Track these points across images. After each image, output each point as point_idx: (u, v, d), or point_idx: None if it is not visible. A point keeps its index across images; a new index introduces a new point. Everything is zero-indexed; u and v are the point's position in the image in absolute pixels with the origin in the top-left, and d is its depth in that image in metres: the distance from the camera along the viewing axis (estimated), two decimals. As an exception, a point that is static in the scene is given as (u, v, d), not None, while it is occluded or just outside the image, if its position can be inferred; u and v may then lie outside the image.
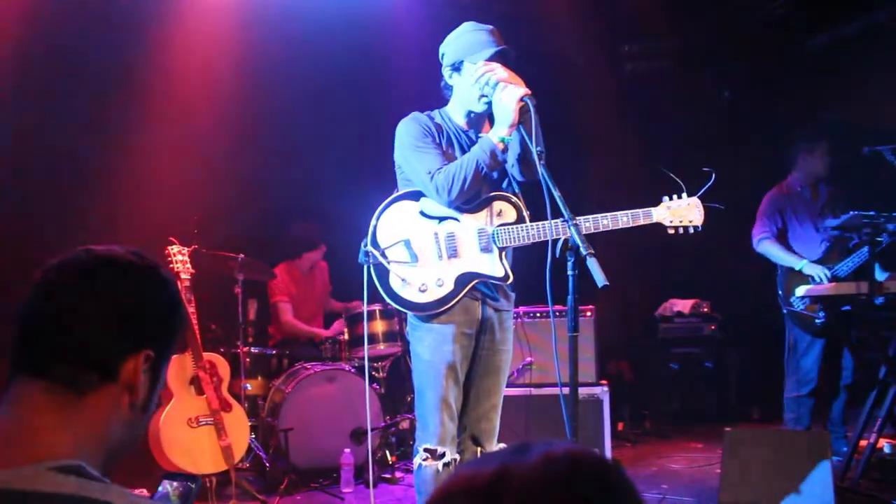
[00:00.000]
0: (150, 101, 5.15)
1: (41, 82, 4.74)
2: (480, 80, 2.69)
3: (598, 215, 2.67)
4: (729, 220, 4.67)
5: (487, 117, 2.84)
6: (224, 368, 4.20)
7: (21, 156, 4.69)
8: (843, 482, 3.95)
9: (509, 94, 2.61)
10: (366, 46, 5.63)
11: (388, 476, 4.69)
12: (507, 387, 2.93)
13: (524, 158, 2.76)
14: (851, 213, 4.09)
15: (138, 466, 4.02)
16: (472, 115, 2.85)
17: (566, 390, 2.38)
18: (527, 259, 2.91)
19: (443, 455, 2.69)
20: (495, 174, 2.80)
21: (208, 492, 3.97)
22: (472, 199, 2.75)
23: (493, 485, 0.73)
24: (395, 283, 2.75)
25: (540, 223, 2.65)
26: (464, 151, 2.79)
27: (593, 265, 2.20)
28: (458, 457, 2.76)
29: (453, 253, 2.75)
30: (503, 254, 2.76)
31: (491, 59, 2.72)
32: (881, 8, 5.83)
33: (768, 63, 6.58)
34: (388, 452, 4.90)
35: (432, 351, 2.73)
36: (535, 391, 4.48)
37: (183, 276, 4.09)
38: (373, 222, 2.79)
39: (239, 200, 5.60)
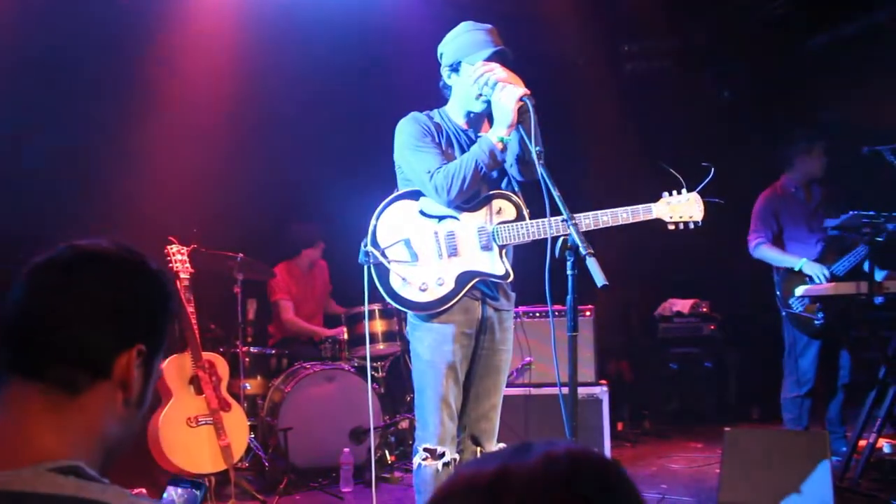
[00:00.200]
0: (150, 101, 5.15)
1: (41, 82, 4.74)
2: (479, 80, 2.69)
3: (598, 212, 2.66)
4: (729, 220, 4.69)
5: (486, 117, 2.84)
6: (223, 368, 4.21)
7: (20, 155, 4.69)
8: (843, 482, 3.95)
9: (508, 94, 2.61)
10: (365, 46, 5.63)
11: (387, 476, 4.69)
12: (506, 386, 2.93)
13: (523, 158, 2.76)
14: (851, 212, 4.09)
15: (137, 466, 4.02)
16: (471, 114, 2.85)
17: (565, 390, 2.38)
18: (526, 259, 2.91)
19: (442, 455, 2.69)
20: (494, 174, 2.80)
21: (207, 492, 3.96)
22: (471, 197, 2.75)
23: (494, 484, 0.73)
24: (395, 282, 2.74)
25: (540, 220, 2.65)
26: (463, 151, 2.79)
27: (593, 265, 2.20)
28: (457, 456, 2.76)
29: (453, 251, 2.75)
30: (503, 252, 2.76)
31: (489, 58, 2.71)
32: (881, 8, 5.83)
33: (768, 63, 6.58)
34: (387, 452, 4.90)
35: (432, 350, 2.73)
36: (534, 391, 4.48)
37: (182, 275, 4.10)
38: (373, 222, 2.79)
39: (239, 200, 5.60)
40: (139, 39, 5.04)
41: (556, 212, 2.47)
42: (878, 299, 4.12)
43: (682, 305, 6.52)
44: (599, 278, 2.17)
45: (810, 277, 4.48)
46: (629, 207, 2.69)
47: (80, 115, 4.78)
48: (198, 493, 1.31)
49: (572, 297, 2.30)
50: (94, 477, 1.00)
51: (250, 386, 4.90)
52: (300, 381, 4.67)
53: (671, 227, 2.75)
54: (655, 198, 2.74)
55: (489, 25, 2.81)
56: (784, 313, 4.66)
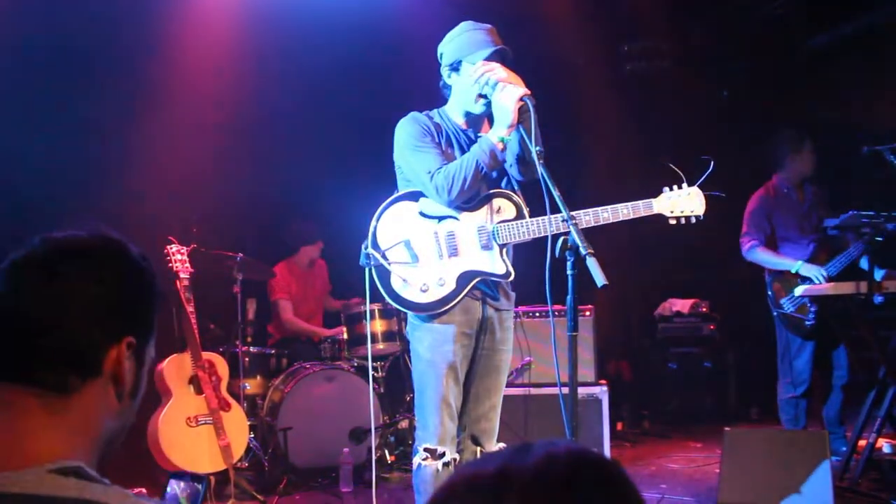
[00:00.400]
0: (150, 101, 5.14)
1: (40, 82, 4.74)
2: (479, 80, 2.69)
3: (599, 208, 2.66)
4: (728, 220, 4.70)
5: (487, 117, 2.84)
6: (223, 368, 4.21)
7: (20, 155, 4.68)
8: (842, 482, 3.95)
9: (508, 94, 2.61)
10: (366, 46, 5.63)
11: (387, 476, 4.69)
12: (506, 386, 2.93)
13: (523, 158, 2.76)
14: (851, 212, 4.09)
15: (137, 466, 4.02)
16: (472, 114, 2.84)
17: (565, 390, 2.38)
18: (526, 259, 2.91)
19: (442, 455, 2.69)
20: (494, 174, 2.80)
21: (209, 486, 3.97)
22: (471, 197, 2.75)
23: (495, 485, 0.73)
24: (396, 283, 2.74)
25: (540, 218, 2.65)
26: (463, 151, 2.78)
27: (593, 265, 2.20)
28: (457, 456, 2.76)
29: (453, 251, 2.75)
30: (504, 251, 2.75)
31: (489, 58, 2.71)
32: (881, 8, 5.83)
33: (768, 63, 6.58)
34: (387, 452, 4.90)
35: (433, 350, 2.72)
36: (534, 391, 4.48)
37: (182, 275, 4.10)
38: (373, 224, 2.79)
39: (239, 200, 5.60)
40: (139, 40, 5.04)
41: (556, 212, 2.47)
42: (878, 299, 4.12)
43: (682, 305, 6.52)
44: (599, 278, 2.17)
45: (807, 279, 4.47)
46: (630, 203, 2.69)
47: (79, 114, 4.78)
48: (200, 487, 1.31)
49: (572, 296, 2.30)
50: (95, 477, 1.00)
51: (250, 386, 4.90)
52: (300, 380, 4.67)
53: (672, 221, 2.74)
54: (656, 195, 2.74)
55: (489, 25, 2.81)
56: (775, 314, 4.66)
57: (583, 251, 2.24)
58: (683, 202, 2.72)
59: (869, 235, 4.05)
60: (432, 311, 2.72)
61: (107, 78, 4.98)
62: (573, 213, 2.44)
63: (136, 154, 5.09)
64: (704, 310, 6.49)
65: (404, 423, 5.05)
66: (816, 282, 4.41)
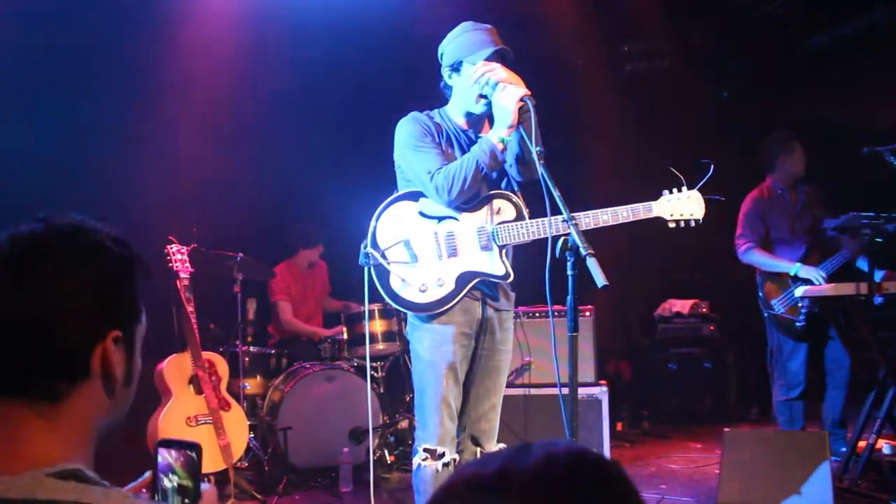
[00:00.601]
0: (151, 101, 5.14)
1: (41, 81, 4.73)
2: (480, 80, 2.69)
3: (598, 210, 2.66)
4: (728, 221, 4.70)
5: (487, 117, 2.84)
6: (223, 367, 4.21)
7: (20, 155, 4.68)
8: (842, 482, 3.95)
9: (509, 95, 2.61)
10: (366, 46, 5.63)
11: (387, 476, 4.69)
12: (506, 387, 2.93)
13: (523, 159, 2.76)
14: (851, 213, 4.08)
15: (137, 466, 4.01)
16: (472, 115, 2.84)
17: (565, 390, 2.38)
18: (526, 259, 2.91)
19: (442, 455, 2.69)
20: (494, 174, 2.79)
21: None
22: (471, 198, 2.75)
23: (495, 485, 0.73)
24: (395, 283, 2.74)
25: (540, 219, 2.65)
26: (463, 151, 2.78)
27: (593, 265, 2.20)
28: (457, 457, 2.76)
29: (453, 252, 2.75)
30: (503, 252, 2.75)
31: (490, 58, 2.71)
32: (881, 8, 5.83)
33: (768, 63, 6.58)
34: (386, 452, 4.90)
35: (432, 351, 2.72)
36: (533, 391, 4.48)
37: (182, 275, 4.10)
38: (372, 223, 2.79)
39: (239, 200, 5.59)
40: (139, 40, 5.04)
41: (556, 212, 2.47)
42: (878, 300, 4.12)
43: (682, 306, 6.53)
44: (599, 279, 2.17)
45: (805, 280, 4.46)
46: (630, 206, 2.69)
47: (79, 114, 4.78)
48: (193, 454, 1.20)
49: (572, 297, 2.30)
50: (95, 480, 0.99)
51: (250, 386, 4.90)
52: (300, 380, 4.67)
53: (672, 225, 2.74)
54: (655, 198, 2.74)
55: (489, 25, 2.81)
56: (766, 315, 4.65)
57: (583, 251, 2.24)
58: (683, 205, 2.72)
59: (869, 236, 4.05)
60: (431, 312, 2.72)
61: (107, 78, 4.98)
62: (573, 214, 2.44)
63: (137, 154, 5.09)
64: (704, 310, 6.49)
65: (404, 424, 5.05)
66: (816, 283, 4.41)
